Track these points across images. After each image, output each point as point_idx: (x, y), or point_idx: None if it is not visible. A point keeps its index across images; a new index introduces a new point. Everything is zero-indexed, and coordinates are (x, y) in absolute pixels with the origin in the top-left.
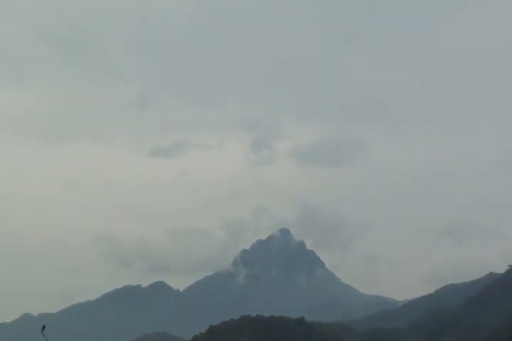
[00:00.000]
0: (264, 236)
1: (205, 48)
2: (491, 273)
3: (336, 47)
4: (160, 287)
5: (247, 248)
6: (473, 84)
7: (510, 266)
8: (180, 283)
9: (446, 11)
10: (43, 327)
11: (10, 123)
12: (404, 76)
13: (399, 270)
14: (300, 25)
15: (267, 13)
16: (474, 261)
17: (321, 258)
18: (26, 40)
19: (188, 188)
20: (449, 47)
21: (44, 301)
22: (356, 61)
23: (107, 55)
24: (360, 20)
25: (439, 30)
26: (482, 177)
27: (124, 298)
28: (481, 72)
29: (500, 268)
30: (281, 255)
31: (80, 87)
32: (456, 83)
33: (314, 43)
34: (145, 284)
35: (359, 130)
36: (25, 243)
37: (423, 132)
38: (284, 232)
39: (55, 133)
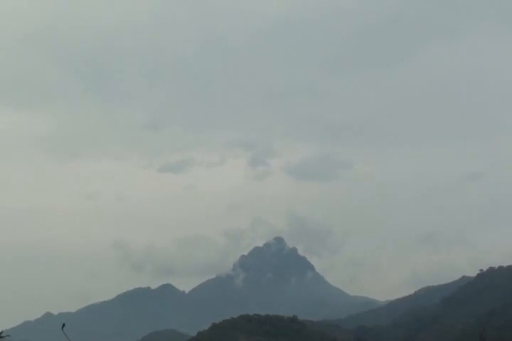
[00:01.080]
0: (260, 244)
1: (207, 79)
2: (463, 277)
3: (322, 77)
4: (167, 289)
5: (246, 254)
6: (443, 108)
7: (480, 270)
8: (185, 285)
9: (418, 43)
10: (63, 325)
11: (36, 142)
12: (381, 101)
13: (381, 273)
14: (290, 58)
15: (263, 49)
16: (448, 266)
17: (312, 263)
18: (53, 70)
19: (193, 200)
20: (421, 75)
21: (64, 301)
22: (339, 88)
23: (124, 85)
24: (342, 54)
25: (411, 60)
26: (454, 192)
27: (135, 298)
28: (451, 97)
29: (472, 273)
30: (276, 260)
31: (99, 112)
32: (427, 107)
33: (302, 74)
34: (154, 286)
35: (342, 149)
36: (48, 249)
37: (399, 151)
38: (279, 240)
39: (76, 151)
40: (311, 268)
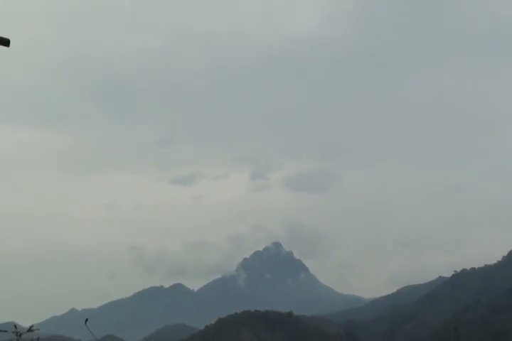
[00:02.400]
0: (260, 248)
1: (214, 102)
2: (440, 277)
3: (315, 101)
4: (178, 288)
5: (247, 257)
6: (426, 128)
7: (455, 271)
8: (194, 284)
9: (401, 70)
10: (86, 320)
11: (60, 158)
12: (368, 121)
13: (367, 274)
14: (288, 84)
15: (264, 76)
16: (427, 267)
17: (306, 265)
18: (77, 94)
19: (201, 209)
20: (404, 98)
21: (87, 299)
22: (331, 111)
23: (138, 107)
24: (333, 80)
25: (395, 84)
26: (433, 202)
27: (150, 296)
28: (433, 117)
29: (447, 273)
30: (274, 262)
31: (116, 131)
32: (411, 126)
33: (298, 98)
34: (166, 285)
35: (334, 164)
36: (72, 253)
37: (384, 165)
38: (277, 245)
39: (96, 166)
40: (305, 269)
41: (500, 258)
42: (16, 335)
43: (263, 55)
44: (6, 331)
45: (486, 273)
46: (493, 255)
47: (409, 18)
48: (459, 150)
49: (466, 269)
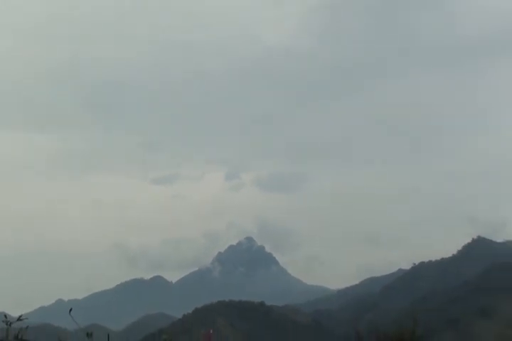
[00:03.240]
0: (234, 242)
1: (192, 110)
2: (400, 269)
3: (286, 107)
4: (158, 280)
5: (222, 251)
6: (387, 134)
7: (414, 264)
8: (173, 276)
9: (367, 80)
10: (71, 310)
11: (52, 159)
12: (335, 127)
13: (333, 266)
14: (261, 93)
15: (238, 86)
16: (388, 260)
17: (276, 258)
18: (68, 102)
19: (180, 207)
20: (370, 107)
21: (73, 290)
22: (300, 117)
23: (124, 114)
24: (303, 89)
25: (361, 94)
26: (394, 201)
27: (132, 287)
28: (394, 125)
29: (407, 266)
30: (247, 256)
31: (104, 135)
32: (374, 132)
33: (270, 105)
34: (147, 277)
35: (302, 165)
36: (60, 247)
37: (349, 168)
38: (249, 239)
39: (85, 167)
40: (276, 262)
41: (455, 252)
42: (6, 324)
43: (239, 65)
44: None
45: (442, 265)
46: (448, 249)
47: (375, 31)
48: (419, 155)
49: (423, 262)
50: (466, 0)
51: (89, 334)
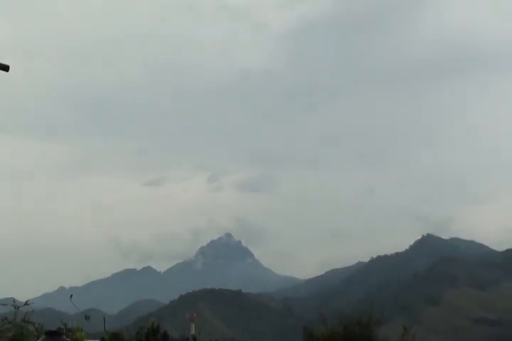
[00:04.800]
0: (215, 238)
1: (179, 121)
2: (359, 262)
3: (259, 121)
4: (148, 270)
5: (204, 245)
6: (346, 144)
7: (371, 257)
8: (161, 267)
9: (332, 97)
10: (71, 296)
11: (55, 163)
12: (302, 138)
13: (301, 259)
14: (238, 108)
15: (218, 102)
16: (349, 253)
17: (252, 251)
18: (70, 114)
19: (168, 207)
20: (332, 120)
21: (74, 278)
22: (273, 129)
23: (119, 124)
24: (274, 105)
25: (325, 110)
26: (354, 201)
27: (125, 276)
28: (350, 136)
29: (365, 259)
30: (226, 250)
31: (101, 143)
32: (335, 143)
33: (246, 119)
34: (138, 268)
35: (275, 171)
36: (63, 241)
37: (315, 173)
38: (228, 235)
39: (84, 170)
40: (251, 255)
41: (407, 247)
42: (15, 308)
43: (219, 84)
44: (6, 304)
45: (396, 258)
46: (401, 244)
47: (333, 58)
48: (375, 161)
49: (380, 255)
50: (415, 28)
51: (87, 317)
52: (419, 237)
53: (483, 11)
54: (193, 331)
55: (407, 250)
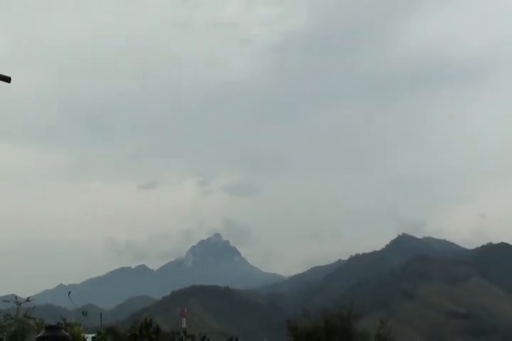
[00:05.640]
0: (205, 238)
1: (171, 129)
2: (340, 260)
3: (245, 129)
4: (142, 268)
5: (195, 244)
6: (324, 152)
7: (351, 255)
8: (154, 265)
9: (304, 109)
10: (69, 292)
11: (55, 169)
12: (284, 145)
13: (285, 257)
14: (225, 117)
15: (207, 112)
16: (330, 252)
17: (239, 250)
18: (69, 122)
19: (161, 209)
20: (313, 127)
21: (72, 276)
22: (257, 136)
23: (115, 132)
24: (257, 114)
25: (304, 119)
26: (333, 203)
27: (120, 274)
28: (327, 145)
29: (345, 257)
30: (215, 249)
31: (99, 149)
32: (313, 150)
33: (233, 127)
34: (133, 266)
35: (260, 176)
36: (62, 241)
37: (297, 177)
38: (217, 235)
39: (83, 175)
40: (238, 254)
41: (384, 246)
42: (17, 304)
43: (207, 96)
44: (9, 301)
45: (374, 257)
46: (378, 243)
47: (315, 70)
48: (353, 166)
49: (359, 254)
50: (390, 42)
51: (84, 313)
52: (394, 237)
53: (450, 28)
54: (184, 325)
55: (383, 249)
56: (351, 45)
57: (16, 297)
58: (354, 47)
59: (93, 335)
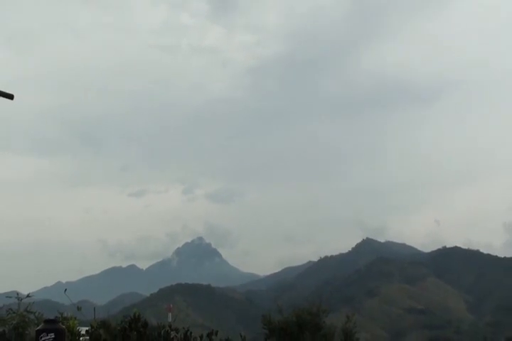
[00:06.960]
0: (189, 240)
1: (158, 142)
2: (309, 261)
3: (226, 142)
4: (132, 267)
5: (180, 246)
6: (300, 162)
7: (320, 257)
8: (143, 265)
9: (286, 123)
10: (65, 290)
11: (52, 177)
12: (263, 155)
13: (261, 258)
14: (207, 131)
15: (190, 127)
16: (301, 254)
17: (220, 252)
18: (63, 135)
19: (148, 214)
20: (285, 142)
21: (69, 274)
22: (237, 148)
23: (107, 144)
24: (238, 128)
25: (282, 133)
26: (303, 209)
27: (112, 273)
28: (306, 155)
29: (315, 258)
30: (198, 250)
31: (91, 160)
32: (291, 161)
33: (215, 140)
34: (124, 266)
35: (240, 184)
36: (60, 242)
37: (273, 186)
38: (200, 238)
39: (77, 183)
40: (219, 255)
41: (350, 249)
42: (18, 300)
43: (191, 111)
44: (11, 297)
45: (341, 258)
46: (345, 246)
47: (288, 87)
48: (322, 177)
49: (327, 256)
50: (358, 65)
51: (79, 308)
52: (359, 241)
53: (411, 52)
54: (169, 319)
55: (349, 251)
56: (318, 69)
57: (17, 293)
58: (321, 72)
59: (87, 328)
